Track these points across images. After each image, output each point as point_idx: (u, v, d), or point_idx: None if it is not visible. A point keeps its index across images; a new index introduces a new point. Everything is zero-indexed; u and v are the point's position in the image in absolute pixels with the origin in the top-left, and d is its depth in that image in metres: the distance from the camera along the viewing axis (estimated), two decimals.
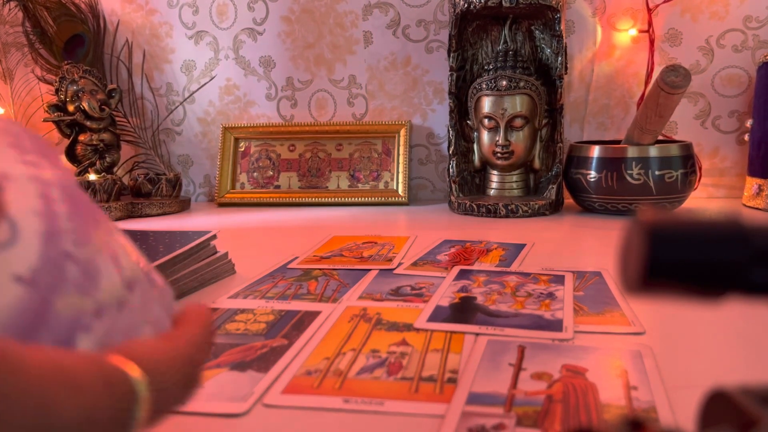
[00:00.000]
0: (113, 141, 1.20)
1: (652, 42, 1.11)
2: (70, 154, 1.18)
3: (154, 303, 0.28)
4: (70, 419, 0.18)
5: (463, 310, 0.55)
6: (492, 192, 1.11)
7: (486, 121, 1.07)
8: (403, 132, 1.20)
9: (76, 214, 0.24)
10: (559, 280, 0.64)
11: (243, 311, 0.56)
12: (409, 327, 0.52)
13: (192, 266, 0.63)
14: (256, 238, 0.93)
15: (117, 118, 1.23)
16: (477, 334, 0.49)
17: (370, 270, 0.70)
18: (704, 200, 1.14)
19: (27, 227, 0.22)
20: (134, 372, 0.22)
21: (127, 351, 0.23)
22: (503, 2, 1.00)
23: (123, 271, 0.25)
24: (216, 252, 0.68)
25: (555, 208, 1.05)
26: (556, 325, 0.51)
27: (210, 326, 0.29)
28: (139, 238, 0.69)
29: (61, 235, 0.23)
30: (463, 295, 0.60)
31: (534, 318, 0.53)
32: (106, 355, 0.22)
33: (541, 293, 0.59)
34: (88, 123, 1.16)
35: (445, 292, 0.60)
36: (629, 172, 0.95)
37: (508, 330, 0.50)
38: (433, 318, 0.53)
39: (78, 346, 0.23)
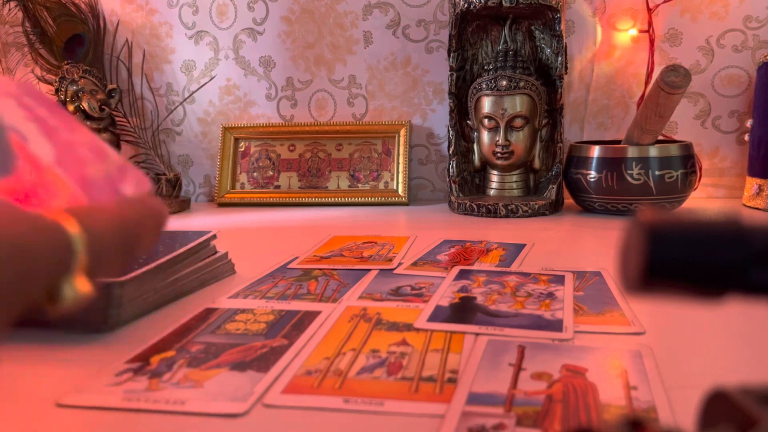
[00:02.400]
0: (113, 141, 1.20)
1: (652, 42, 1.11)
2: None
3: (125, 174, 0.32)
4: (9, 266, 0.20)
5: (463, 310, 0.55)
6: (492, 192, 1.11)
7: (486, 121, 1.07)
8: (403, 132, 1.20)
9: (55, 109, 0.30)
10: (559, 280, 0.64)
11: (243, 311, 0.56)
12: (409, 327, 0.52)
13: (192, 266, 0.63)
14: (256, 238, 0.93)
15: (117, 118, 1.23)
16: (477, 334, 0.49)
17: (370, 270, 0.70)
18: (704, 200, 1.14)
19: (29, 131, 0.28)
20: (71, 227, 0.24)
21: (71, 210, 0.25)
22: (503, 2, 1.00)
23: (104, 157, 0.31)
24: (216, 252, 0.68)
25: (555, 208, 1.05)
26: (556, 325, 0.51)
27: (157, 210, 0.31)
28: None
29: (56, 129, 0.29)
30: (463, 295, 0.60)
31: (534, 318, 0.53)
32: (49, 212, 0.24)
33: (541, 293, 0.59)
34: (88, 123, 1.16)
35: (445, 292, 0.60)
36: (629, 172, 0.95)
37: (508, 330, 0.50)
38: (433, 318, 0.53)
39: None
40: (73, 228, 0.24)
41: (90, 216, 0.26)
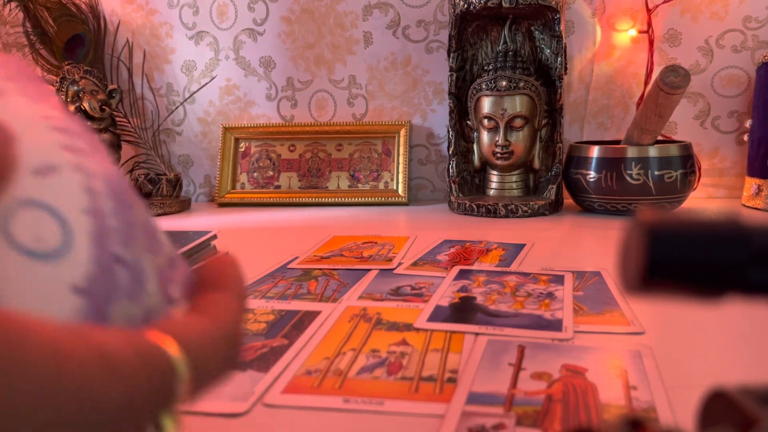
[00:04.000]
0: (114, 141, 1.20)
1: (651, 42, 1.11)
2: None
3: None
4: (112, 403, 0.17)
5: (463, 310, 0.55)
6: (492, 192, 1.11)
7: (486, 121, 1.07)
8: (403, 132, 1.20)
9: (122, 205, 0.21)
10: (559, 280, 0.64)
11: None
12: (409, 327, 0.52)
13: (192, 266, 0.63)
14: (256, 238, 0.93)
15: (117, 119, 1.23)
16: (477, 334, 0.49)
17: (370, 270, 0.70)
18: (704, 200, 1.14)
19: (78, 228, 0.19)
20: (173, 349, 0.20)
21: (164, 328, 0.21)
22: (503, 3, 1.00)
23: (156, 247, 0.23)
24: (216, 252, 0.68)
25: (555, 208, 1.05)
26: (555, 325, 0.51)
27: (244, 286, 0.26)
28: None
29: (110, 236, 0.20)
30: (463, 295, 0.60)
31: (534, 318, 0.53)
32: (143, 333, 0.20)
33: (541, 293, 0.59)
34: (88, 123, 1.16)
35: (445, 292, 0.60)
36: (629, 172, 0.95)
37: (507, 330, 0.50)
38: (433, 318, 0.53)
39: None
40: (173, 350, 0.20)
41: (184, 330, 0.22)
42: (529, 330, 0.50)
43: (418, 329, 0.51)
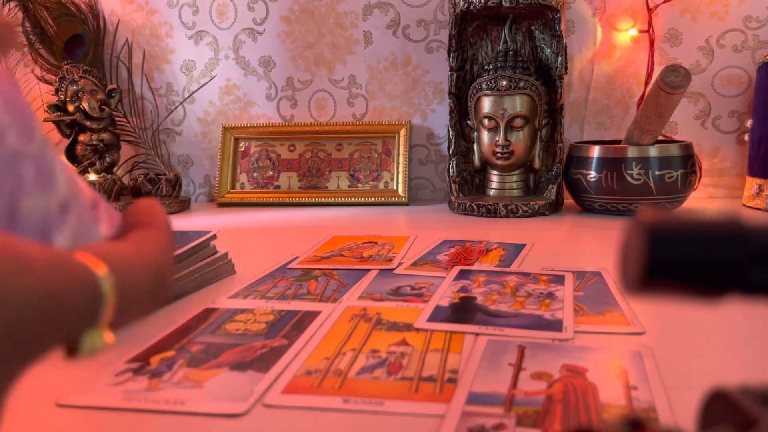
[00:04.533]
0: (113, 141, 1.20)
1: (652, 42, 1.11)
2: (70, 154, 1.18)
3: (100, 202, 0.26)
4: (24, 296, 0.17)
5: (463, 310, 0.55)
6: (492, 192, 1.11)
7: (486, 121, 1.07)
8: (403, 132, 1.20)
9: (11, 103, 0.21)
10: (559, 280, 0.64)
11: (243, 311, 0.56)
12: (409, 327, 0.52)
13: (192, 266, 0.63)
14: (256, 238, 0.93)
15: (117, 118, 1.23)
16: (477, 334, 0.49)
17: (370, 270, 0.70)
18: (704, 200, 1.14)
19: None
20: (100, 269, 0.21)
21: (94, 250, 0.22)
22: (503, 2, 1.00)
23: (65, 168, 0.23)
24: (216, 252, 0.68)
25: (555, 208, 1.05)
26: (556, 325, 0.51)
27: (168, 223, 0.27)
28: None
29: (3, 132, 0.20)
30: (463, 295, 0.60)
31: (534, 318, 0.53)
32: (72, 251, 0.21)
33: (541, 293, 0.59)
34: (88, 123, 1.16)
35: (445, 292, 0.60)
36: (629, 172, 0.95)
37: (508, 330, 0.50)
38: (433, 318, 0.53)
39: (56, 244, 0.22)
40: (101, 270, 0.21)
41: (117, 255, 0.22)
42: (529, 330, 0.50)
43: (418, 329, 0.51)
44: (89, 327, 0.20)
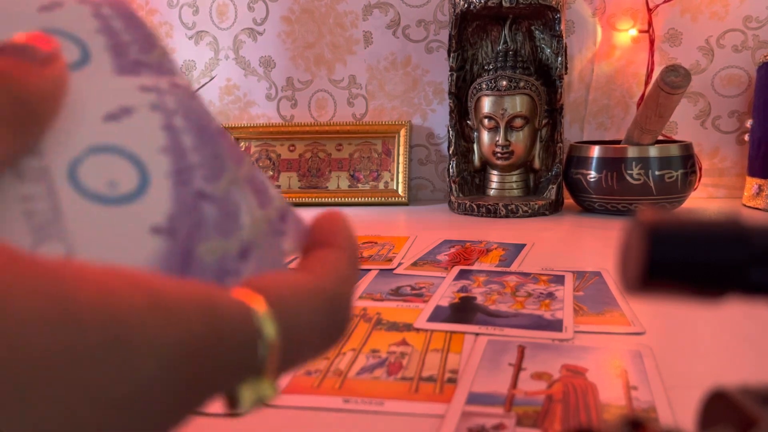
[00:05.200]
0: None
1: (652, 42, 1.11)
2: None
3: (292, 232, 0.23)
4: (165, 349, 0.14)
5: (463, 310, 0.55)
6: (492, 192, 1.11)
7: (486, 121, 1.07)
8: (403, 132, 1.20)
9: (204, 143, 0.20)
10: (559, 280, 0.64)
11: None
12: (409, 327, 0.52)
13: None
14: None
15: None
16: (477, 334, 0.49)
17: (370, 270, 0.70)
18: (704, 200, 1.14)
19: (155, 169, 0.19)
20: (259, 306, 0.17)
21: (256, 284, 0.18)
22: (503, 2, 1.00)
23: (265, 201, 0.21)
24: None
25: (555, 208, 1.05)
26: (556, 325, 0.51)
27: (355, 242, 0.23)
28: None
29: (192, 172, 0.19)
30: (463, 295, 0.60)
31: (534, 318, 0.53)
32: (227, 288, 0.18)
33: (541, 293, 0.59)
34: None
35: (445, 292, 0.60)
36: (629, 172, 0.95)
37: (508, 330, 0.50)
38: (433, 318, 0.53)
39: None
40: (260, 308, 0.17)
41: (285, 289, 0.19)
42: (529, 330, 0.50)
43: (418, 329, 0.51)
44: (251, 375, 0.17)
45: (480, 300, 0.58)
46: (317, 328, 0.19)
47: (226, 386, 0.17)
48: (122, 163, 0.18)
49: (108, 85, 0.19)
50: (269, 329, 0.17)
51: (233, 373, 0.17)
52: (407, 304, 0.57)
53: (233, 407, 0.18)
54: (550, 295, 0.59)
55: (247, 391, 0.18)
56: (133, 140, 0.19)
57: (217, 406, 0.40)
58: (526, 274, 0.66)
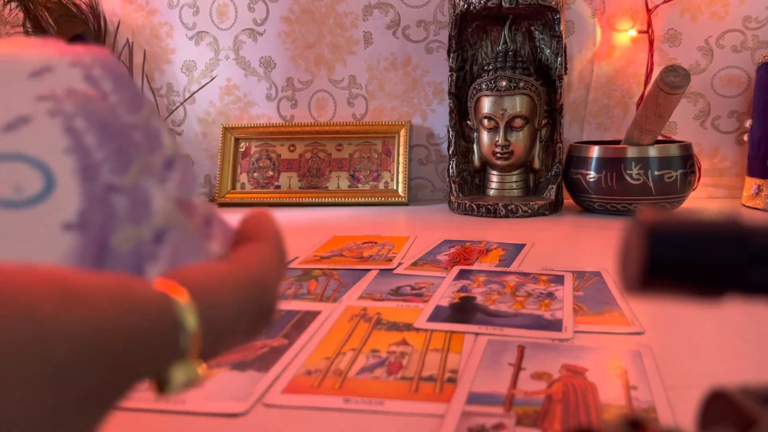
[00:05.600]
0: None
1: (651, 42, 1.11)
2: None
3: (205, 218, 0.24)
4: (77, 331, 0.15)
5: (463, 310, 0.55)
6: (492, 192, 1.11)
7: (486, 121, 1.07)
8: (403, 132, 1.20)
9: (108, 139, 0.21)
10: (559, 280, 0.64)
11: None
12: (409, 327, 0.52)
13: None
14: None
15: None
16: (477, 334, 0.49)
17: (370, 270, 0.70)
18: (704, 200, 1.14)
19: (60, 169, 0.19)
20: (180, 296, 0.18)
21: (178, 275, 0.19)
22: (503, 3, 1.00)
23: (168, 187, 0.22)
24: None
25: (555, 208, 1.05)
26: (555, 325, 0.51)
27: (280, 236, 0.24)
28: None
29: (98, 168, 0.20)
30: (463, 295, 0.60)
31: (534, 318, 0.53)
32: (150, 280, 0.19)
33: (541, 293, 0.59)
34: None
35: (445, 292, 0.60)
36: (629, 172, 0.95)
37: (507, 330, 0.50)
38: (433, 318, 0.53)
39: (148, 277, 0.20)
40: (181, 297, 0.18)
41: (206, 279, 0.20)
42: (529, 330, 0.50)
43: (418, 329, 0.51)
44: (176, 360, 0.18)
45: (480, 300, 0.58)
46: (243, 315, 0.21)
47: (152, 372, 0.18)
48: (25, 168, 0.19)
49: (2, 96, 0.20)
50: (190, 320, 0.18)
51: (156, 360, 0.18)
52: (407, 304, 0.57)
53: (161, 390, 0.19)
54: (550, 295, 0.59)
55: (175, 375, 0.19)
56: (34, 145, 0.19)
57: (218, 406, 0.40)
58: (526, 274, 0.66)
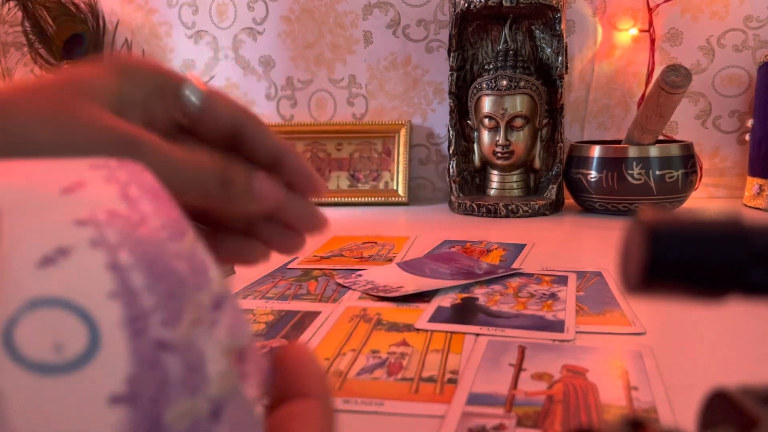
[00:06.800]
0: None
1: (652, 42, 1.11)
2: None
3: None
4: None
5: (465, 311, 0.55)
6: (492, 192, 1.11)
7: (486, 120, 1.06)
8: (403, 132, 1.20)
9: (157, 279, 0.16)
10: (562, 280, 0.63)
11: (242, 311, 0.56)
12: (409, 327, 0.51)
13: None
14: None
15: None
16: (477, 335, 0.49)
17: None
18: (705, 200, 1.13)
19: (105, 320, 0.15)
20: None
21: None
22: (503, 2, 1.00)
23: (222, 344, 0.18)
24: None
25: (555, 208, 1.05)
26: (557, 326, 0.51)
27: (328, 388, 0.20)
28: None
29: (147, 318, 0.16)
30: (465, 295, 0.60)
31: (535, 318, 0.53)
32: None
33: (544, 294, 0.59)
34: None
35: (447, 293, 0.60)
36: (630, 172, 0.95)
37: (508, 330, 0.50)
38: (434, 319, 0.53)
39: None
40: None
41: None
42: (530, 331, 0.50)
43: (418, 330, 0.51)
44: None
45: (482, 301, 0.58)
46: None
47: None
48: (66, 319, 0.15)
49: (35, 219, 0.16)
50: None
51: None
52: (407, 305, 0.57)
53: None
54: (553, 296, 0.58)
55: None
56: (76, 288, 0.15)
57: None
58: (528, 275, 0.66)
